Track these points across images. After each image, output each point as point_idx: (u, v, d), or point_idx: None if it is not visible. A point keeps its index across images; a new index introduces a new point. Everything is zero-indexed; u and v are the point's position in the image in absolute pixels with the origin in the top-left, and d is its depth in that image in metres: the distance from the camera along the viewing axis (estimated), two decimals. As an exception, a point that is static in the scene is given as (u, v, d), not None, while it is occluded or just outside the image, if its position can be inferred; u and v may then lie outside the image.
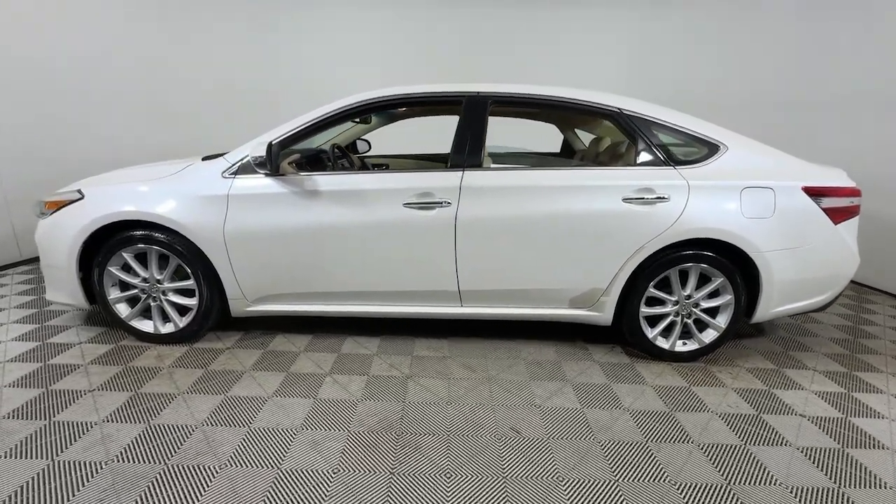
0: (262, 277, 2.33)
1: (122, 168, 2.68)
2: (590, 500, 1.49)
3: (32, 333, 2.55)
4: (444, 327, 2.75)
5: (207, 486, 1.49)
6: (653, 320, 2.41)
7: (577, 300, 2.37)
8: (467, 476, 1.58)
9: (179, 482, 1.51)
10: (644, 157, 2.30)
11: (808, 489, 1.57)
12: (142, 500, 1.43)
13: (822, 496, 1.54)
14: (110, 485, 1.49)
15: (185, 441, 1.71)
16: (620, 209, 2.20)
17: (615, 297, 2.32)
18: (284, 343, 2.52)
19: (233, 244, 2.25)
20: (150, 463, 1.59)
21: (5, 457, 1.60)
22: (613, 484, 1.56)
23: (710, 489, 1.55)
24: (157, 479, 1.52)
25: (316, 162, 2.70)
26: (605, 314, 2.37)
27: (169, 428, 1.78)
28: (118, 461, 1.59)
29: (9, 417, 1.81)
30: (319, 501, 1.45)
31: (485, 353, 2.48)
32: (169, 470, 1.56)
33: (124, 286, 2.42)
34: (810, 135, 3.95)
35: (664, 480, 1.59)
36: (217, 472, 1.56)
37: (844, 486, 1.59)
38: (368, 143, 3.64)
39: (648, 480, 1.58)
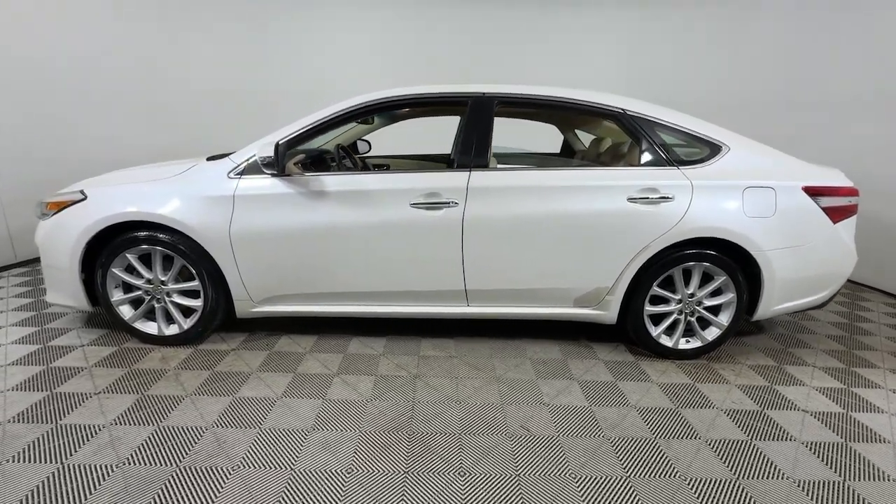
0: (268, 278, 2.32)
1: (123, 168, 2.66)
2: (604, 497, 1.50)
3: (33, 336, 2.51)
4: (449, 327, 2.76)
5: (221, 488, 1.49)
6: (656, 319, 2.43)
7: (582, 299, 2.39)
8: (481, 474, 1.59)
9: (193, 484, 1.50)
10: (648, 157, 2.33)
11: (814, 482, 1.60)
12: (156, 502, 1.42)
13: (828, 489, 1.57)
14: (123, 488, 1.47)
15: (195, 443, 1.70)
16: (625, 209, 2.23)
17: (620, 296, 2.35)
18: (290, 344, 2.52)
19: (239, 245, 2.24)
20: (161, 465, 1.58)
21: (13, 461, 1.57)
22: (626, 480, 1.58)
23: (719, 484, 1.58)
24: (169, 482, 1.51)
25: (319, 162, 2.70)
26: (609, 313, 2.39)
27: (179, 430, 1.77)
28: (129, 464, 1.58)
29: (14, 421, 1.79)
30: (335, 501, 1.45)
31: (491, 352, 2.49)
32: (181, 472, 1.55)
33: (127, 288, 2.39)
34: (801, 135, 4.02)
35: (675, 476, 1.61)
36: (230, 474, 1.55)
37: (850, 480, 1.62)
38: (369, 144, 3.65)
39: (659, 476, 1.61)
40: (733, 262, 2.29)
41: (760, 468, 1.66)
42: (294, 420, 1.86)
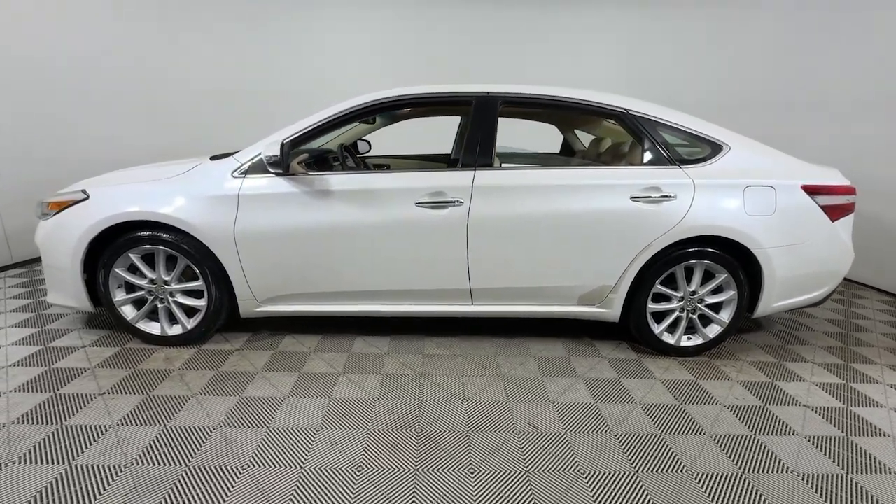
0: (272, 278, 2.32)
1: (123, 168, 2.64)
2: (612, 492, 1.52)
3: (33, 337, 2.49)
4: (452, 326, 2.77)
5: (232, 487, 1.48)
6: (658, 316, 2.46)
7: (586, 297, 2.41)
8: (491, 471, 1.60)
9: (203, 483, 1.50)
10: (650, 156, 2.36)
11: (818, 476, 1.63)
12: (167, 501, 1.42)
13: (832, 482, 1.60)
14: (132, 488, 1.47)
15: (203, 442, 1.70)
16: (629, 207, 2.25)
17: (623, 294, 2.37)
18: (294, 344, 2.51)
19: (243, 244, 2.24)
20: (170, 465, 1.58)
21: (20, 462, 1.56)
22: (634, 475, 1.60)
23: (725, 478, 1.60)
24: (180, 481, 1.50)
25: (322, 162, 2.70)
26: (613, 311, 2.42)
27: (186, 430, 1.76)
28: (138, 464, 1.57)
29: (19, 422, 1.77)
30: (347, 499, 1.45)
31: (495, 350, 2.51)
32: (191, 471, 1.55)
33: (129, 288, 2.38)
34: (797, 135, 4.07)
35: (682, 471, 1.63)
36: (241, 473, 1.55)
37: (852, 473, 1.65)
38: (369, 144, 3.64)
39: (666, 471, 1.63)
40: (734, 260, 2.32)
41: (765, 462, 1.68)
42: (302, 419, 1.86)
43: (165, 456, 1.62)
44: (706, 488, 1.55)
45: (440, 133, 3.76)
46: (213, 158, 2.42)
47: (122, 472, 1.53)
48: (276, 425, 1.81)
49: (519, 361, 2.40)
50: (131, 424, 1.79)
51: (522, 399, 2.06)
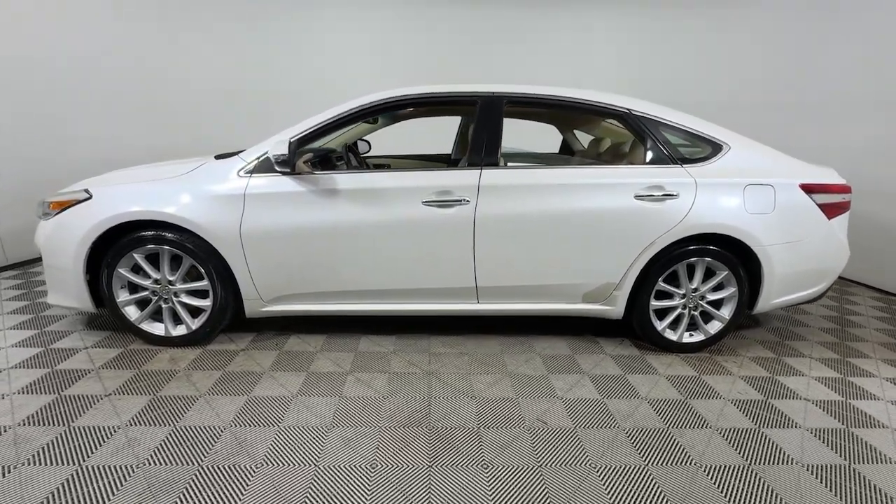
0: (279, 277, 2.31)
1: (124, 168, 2.61)
2: (625, 486, 1.54)
3: (33, 339, 2.45)
4: (457, 324, 2.78)
5: (247, 486, 1.48)
6: (661, 313, 2.49)
7: (590, 295, 2.44)
8: (504, 466, 1.61)
9: (217, 482, 1.49)
10: (653, 155, 2.39)
11: (822, 467, 1.67)
12: (181, 501, 1.41)
13: (835, 472, 1.64)
14: (146, 488, 1.46)
15: (215, 442, 1.69)
16: (633, 206, 2.28)
17: (627, 292, 2.40)
18: (299, 343, 2.51)
19: (250, 244, 2.23)
20: (183, 465, 1.57)
21: (29, 464, 1.54)
22: (644, 469, 1.62)
23: (733, 470, 1.63)
24: (193, 481, 1.49)
25: (325, 161, 2.69)
26: (617, 308, 2.45)
27: (196, 429, 1.75)
28: (149, 464, 1.56)
29: (25, 424, 1.75)
30: (363, 496, 1.46)
31: (501, 348, 2.52)
32: (204, 471, 1.54)
33: (133, 288, 2.36)
34: (791, 136, 4.16)
35: (690, 464, 1.66)
36: (254, 472, 1.54)
37: (855, 463, 1.69)
38: (369, 144, 3.65)
39: (676, 464, 1.65)
40: (735, 257, 2.36)
41: (771, 454, 1.72)
42: (312, 418, 1.86)
43: (177, 456, 1.61)
44: (716, 481, 1.58)
45: (437, 134, 3.77)
46: (217, 157, 2.41)
47: (134, 472, 1.52)
48: (287, 424, 1.81)
49: (525, 359, 2.42)
50: (140, 425, 1.77)
51: (530, 395, 2.08)
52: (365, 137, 3.50)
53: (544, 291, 2.42)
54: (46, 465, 1.54)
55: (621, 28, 5.05)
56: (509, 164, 2.44)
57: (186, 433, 1.73)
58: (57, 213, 2.27)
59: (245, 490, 1.46)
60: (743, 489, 1.54)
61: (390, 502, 1.44)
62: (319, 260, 2.29)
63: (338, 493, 1.47)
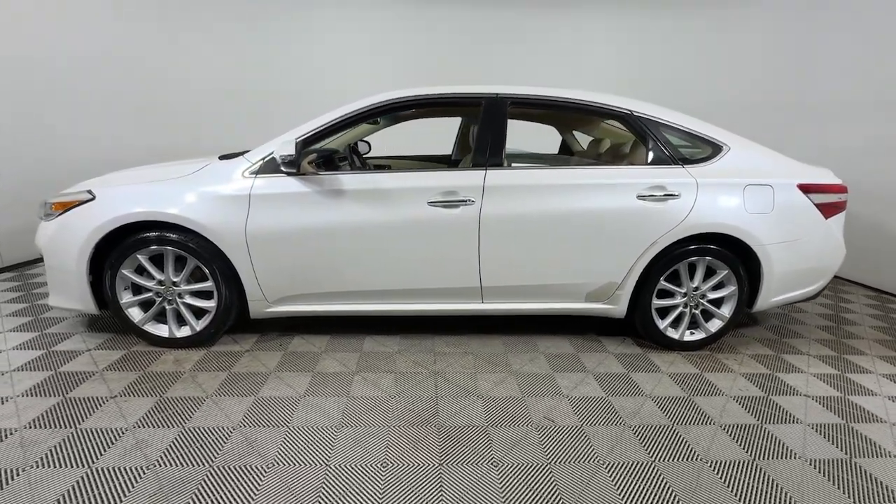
0: (284, 278, 2.31)
1: (126, 169, 2.60)
2: (633, 482, 1.56)
3: (34, 342, 2.43)
4: (460, 324, 2.79)
5: (259, 486, 1.48)
6: (662, 312, 2.53)
7: (593, 294, 2.46)
8: (514, 464, 1.63)
9: (230, 483, 1.49)
10: (655, 156, 2.42)
11: (824, 461, 1.70)
12: (194, 502, 1.41)
13: (838, 467, 1.67)
14: (158, 489, 1.45)
15: (224, 443, 1.69)
16: (635, 206, 2.31)
17: (629, 291, 2.43)
18: (304, 344, 2.51)
19: (255, 244, 2.23)
20: (193, 466, 1.56)
21: (37, 467, 1.53)
22: (652, 465, 1.65)
23: (738, 465, 1.66)
24: (205, 482, 1.49)
25: (328, 162, 2.69)
26: (619, 307, 2.47)
27: (206, 430, 1.75)
28: (160, 465, 1.56)
29: (31, 427, 1.74)
30: (375, 495, 1.47)
31: (505, 348, 2.54)
32: (215, 472, 1.54)
33: (136, 290, 2.34)
34: (777, 136, 4.22)
35: (696, 459, 1.69)
36: (266, 472, 1.55)
37: (856, 457, 1.73)
38: (368, 145, 3.66)
39: (683, 460, 1.68)
40: (735, 256, 2.40)
41: (774, 449, 1.75)
42: (321, 418, 1.86)
43: (187, 457, 1.61)
44: (721, 476, 1.61)
45: (435, 134, 3.78)
46: (221, 158, 2.40)
47: (144, 473, 1.52)
48: (296, 424, 1.81)
49: (529, 357, 2.44)
50: (148, 427, 1.77)
51: (536, 394, 2.10)
52: (365, 138, 3.51)
53: (548, 291, 2.45)
54: (56, 467, 1.53)
55: (621, 28, 5.09)
56: (513, 164, 2.46)
57: (195, 434, 1.73)
58: (59, 214, 2.25)
59: (258, 490, 1.47)
60: (748, 484, 1.57)
61: (403, 501, 1.45)
62: (325, 260, 2.30)
63: (351, 492, 1.47)
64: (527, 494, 1.49)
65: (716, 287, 2.48)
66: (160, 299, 2.34)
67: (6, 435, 1.69)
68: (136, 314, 2.35)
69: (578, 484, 1.54)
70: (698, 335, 2.56)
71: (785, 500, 1.50)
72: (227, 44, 4.51)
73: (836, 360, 2.54)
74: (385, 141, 3.54)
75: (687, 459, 1.68)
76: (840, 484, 1.59)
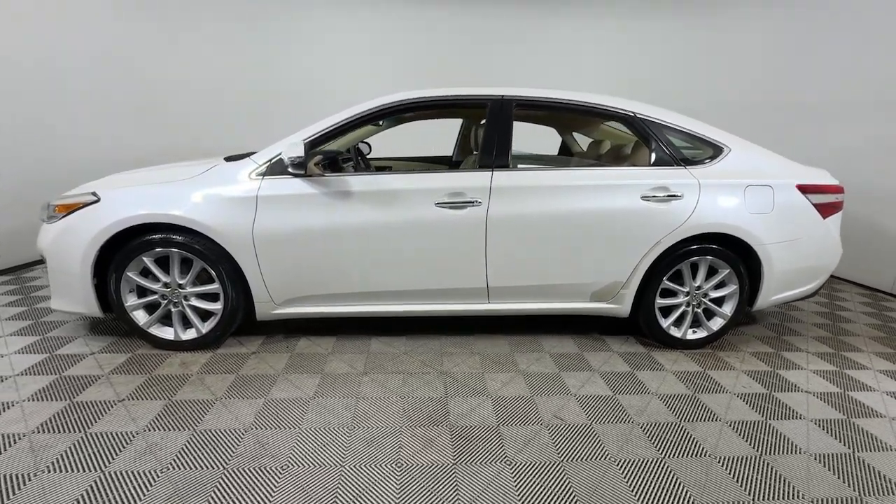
0: (291, 280, 2.31)
1: (130, 170, 2.58)
2: (645, 478, 1.59)
3: (36, 345, 2.40)
4: (465, 325, 2.81)
5: (275, 487, 1.48)
6: (665, 311, 2.56)
7: (598, 294, 2.49)
8: (527, 462, 1.65)
9: (245, 485, 1.49)
10: (658, 157, 2.46)
11: (828, 455, 1.74)
12: (211, 503, 1.41)
13: (841, 461, 1.71)
14: (173, 492, 1.45)
15: (237, 445, 1.68)
16: (639, 206, 2.34)
17: (633, 290, 2.46)
18: (310, 346, 2.50)
19: (262, 246, 2.22)
20: (207, 468, 1.56)
21: (49, 471, 1.52)
22: (662, 461, 1.68)
23: (746, 461, 1.69)
24: (220, 484, 1.49)
25: (333, 163, 2.70)
26: (623, 306, 2.51)
27: (217, 433, 1.75)
28: (173, 468, 1.55)
29: (39, 431, 1.72)
30: (392, 495, 1.47)
31: (510, 348, 2.56)
32: (230, 474, 1.54)
33: (141, 292, 2.33)
34: (778, 137, 4.30)
35: (705, 455, 1.72)
36: (281, 474, 1.55)
37: (859, 451, 1.77)
38: (369, 146, 3.66)
39: (691, 456, 1.71)
40: (736, 255, 2.44)
41: (779, 445, 1.79)
42: (332, 419, 1.86)
43: (201, 460, 1.60)
44: (730, 471, 1.64)
45: (432, 136, 3.80)
46: (227, 159, 2.40)
47: (158, 476, 1.51)
48: (308, 426, 1.81)
49: (535, 357, 2.46)
50: (159, 430, 1.76)
51: (544, 393, 2.12)
52: (366, 140, 3.51)
53: (554, 291, 2.47)
54: (68, 471, 1.52)
55: (621, 29, 5.14)
56: (519, 166, 2.48)
57: (207, 437, 1.72)
58: (63, 217, 2.23)
59: (274, 491, 1.47)
60: (757, 478, 1.60)
61: (420, 500, 1.46)
62: (332, 262, 2.30)
63: (367, 492, 1.48)
64: (542, 493, 1.51)
65: (717, 286, 2.52)
66: (166, 302, 2.32)
67: (15, 440, 1.67)
68: (141, 317, 2.33)
69: (592, 481, 1.57)
70: (700, 333, 2.60)
71: (793, 494, 1.54)
72: (227, 44, 4.49)
73: (834, 357, 2.59)
74: (384, 142, 3.55)
75: (696, 456, 1.71)
76: (845, 477, 1.63)
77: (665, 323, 2.54)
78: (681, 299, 2.53)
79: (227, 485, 1.49)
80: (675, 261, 2.43)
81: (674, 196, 2.36)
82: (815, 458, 1.72)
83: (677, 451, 1.73)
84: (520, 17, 4.95)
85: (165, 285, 2.29)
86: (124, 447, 1.65)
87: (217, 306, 2.33)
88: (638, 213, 2.34)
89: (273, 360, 2.34)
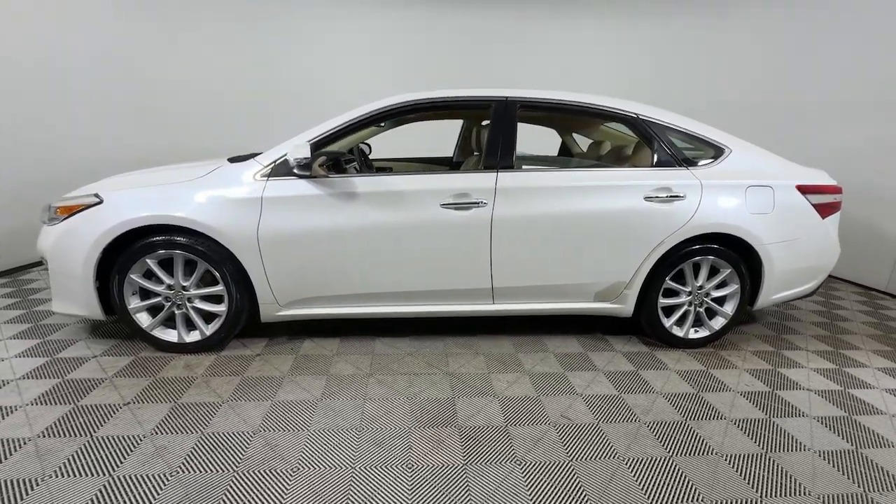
0: (296, 281, 2.30)
1: (133, 172, 2.56)
2: (654, 476, 1.60)
3: (36, 349, 2.37)
4: (468, 325, 2.81)
5: (286, 490, 1.48)
6: (667, 310, 2.58)
7: (602, 294, 2.51)
8: (536, 462, 1.66)
9: (256, 487, 1.48)
10: (660, 158, 2.48)
11: (832, 452, 1.77)
12: (223, 507, 1.40)
13: (845, 457, 1.74)
14: (184, 496, 1.44)
15: (246, 448, 1.68)
16: (643, 207, 2.36)
17: (637, 290, 2.48)
18: (315, 347, 2.50)
19: (267, 248, 2.22)
20: (217, 471, 1.55)
21: (57, 476, 1.50)
22: (670, 460, 1.69)
23: (751, 458, 1.71)
24: (231, 487, 1.49)
25: (336, 164, 2.69)
26: (627, 306, 2.52)
27: (225, 436, 1.74)
28: (183, 472, 1.54)
29: (44, 436, 1.70)
30: (404, 496, 1.47)
31: (514, 348, 2.57)
32: (240, 477, 1.53)
33: (144, 295, 2.31)
34: (777, 137, 4.35)
35: (712, 453, 1.73)
36: (291, 476, 1.54)
37: (862, 448, 1.80)
38: (369, 147, 3.65)
39: (698, 454, 1.73)
40: (737, 255, 2.47)
41: (784, 442, 1.81)
42: (340, 420, 1.86)
43: (210, 463, 1.59)
44: (737, 468, 1.65)
45: (429, 137, 3.80)
46: (231, 160, 2.39)
47: (168, 480, 1.50)
48: (317, 428, 1.81)
49: (539, 357, 2.47)
50: (166, 433, 1.74)
51: (550, 393, 2.13)
52: (366, 141, 3.51)
53: (558, 291, 2.48)
54: (76, 476, 1.51)
55: (621, 29, 5.17)
56: (524, 167, 2.49)
57: (216, 440, 1.71)
58: (64, 219, 2.21)
59: (286, 494, 1.46)
60: (764, 476, 1.62)
61: (432, 501, 1.46)
62: (338, 263, 2.29)
63: (379, 494, 1.48)
64: (553, 492, 1.52)
65: (719, 286, 2.55)
66: (169, 304, 2.31)
67: (20, 444, 1.65)
68: (144, 319, 2.31)
69: (602, 480, 1.58)
70: (702, 333, 2.62)
71: (800, 491, 1.56)
72: (227, 44, 4.47)
73: (833, 356, 2.63)
74: (383, 143, 3.55)
75: (703, 454, 1.73)
76: (849, 474, 1.65)
77: (667, 322, 2.56)
78: (683, 299, 2.55)
79: (238, 487, 1.48)
80: (677, 261, 2.45)
81: (676, 196, 2.38)
82: (820, 456, 1.74)
83: (685, 450, 1.75)
84: (520, 17, 4.97)
85: (169, 287, 2.28)
86: (132, 451, 1.64)
87: (221, 308, 2.32)
88: (641, 214, 2.36)
89: (278, 361, 2.33)
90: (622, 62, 5.23)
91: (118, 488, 1.46)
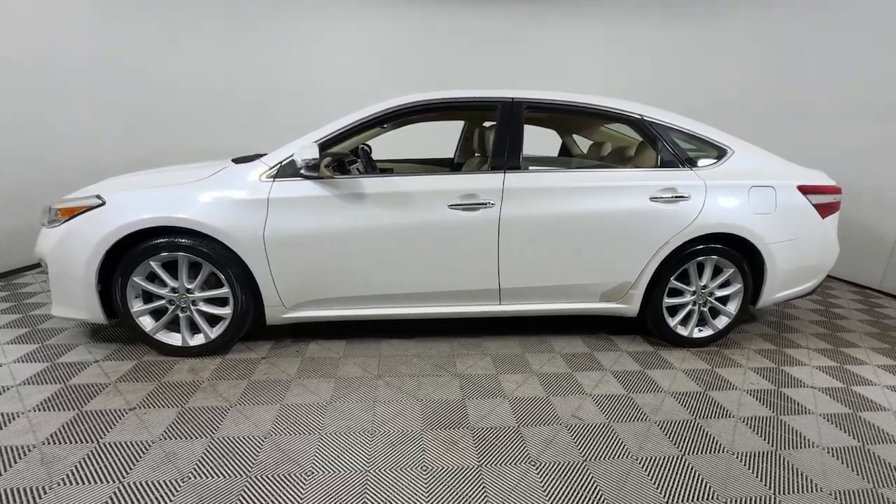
0: (302, 283, 2.28)
1: (134, 173, 2.52)
2: (668, 475, 1.61)
3: (35, 354, 2.32)
4: (475, 326, 2.81)
5: (302, 494, 1.46)
6: (671, 310, 2.60)
7: (607, 294, 2.52)
8: (551, 462, 1.65)
9: (271, 492, 1.46)
10: (665, 159, 2.50)
11: (840, 448, 1.79)
12: (238, 513, 1.38)
13: (853, 454, 1.76)
14: (197, 501, 1.42)
15: (258, 452, 1.66)
16: (648, 207, 2.38)
17: (642, 290, 2.50)
18: (321, 350, 2.48)
19: (273, 249, 2.19)
20: (230, 477, 1.53)
21: (65, 483, 1.47)
22: (682, 458, 1.70)
23: (763, 455, 1.73)
24: (245, 492, 1.46)
25: (340, 165, 2.67)
26: (632, 306, 2.54)
27: (236, 440, 1.71)
28: (195, 477, 1.52)
29: (49, 443, 1.66)
30: (421, 498, 1.46)
31: (521, 349, 2.57)
32: (254, 482, 1.51)
33: (147, 298, 2.27)
34: (777, 137, 4.41)
35: (723, 451, 1.75)
36: (306, 480, 1.53)
37: (868, 444, 1.82)
38: (370, 148, 3.64)
39: (710, 453, 1.74)
40: (740, 255, 2.50)
41: (792, 439, 1.83)
42: (351, 423, 1.85)
43: (222, 468, 1.57)
44: (749, 466, 1.67)
45: (427, 137, 3.80)
46: (235, 161, 2.36)
47: (180, 486, 1.48)
48: (328, 431, 1.79)
49: (546, 358, 2.47)
50: (175, 438, 1.72)
51: (560, 393, 2.13)
52: (367, 142, 3.49)
53: (564, 291, 2.49)
54: (84, 483, 1.47)
55: (621, 29, 5.21)
56: (530, 168, 2.49)
57: (226, 444, 1.69)
58: (66, 221, 2.16)
59: (302, 498, 1.45)
60: (775, 473, 1.63)
61: (450, 503, 1.45)
62: (345, 264, 2.28)
63: (396, 496, 1.47)
64: (569, 492, 1.52)
65: (722, 285, 2.57)
66: (173, 307, 2.27)
67: (25, 452, 1.61)
68: (147, 323, 2.27)
69: (616, 480, 1.58)
70: (706, 332, 2.64)
71: (812, 488, 1.57)
72: (227, 44, 4.42)
73: (833, 353, 2.66)
74: (383, 144, 3.53)
75: (714, 452, 1.74)
76: (858, 470, 1.67)
77: (672, 322, 2.58)
78: (687, 298, 2.57)
79: (252, 492, 1.46)
80: (682, 260, 2.47)
81: (681, 197, 2.40)
82: (828, 452, 1.77)
83: (696, 448, 1.76)
84: (520, 17, 4.99)
85: (173, 290, 2.24)
86: (141, 457, 1.61)
87: (226, 311, 2.29)
88: (647, 214, 2.38)
89: (284, 364, 2.31)
90: (622, 62, 5.27)
91: (130, 495, 1.43)
